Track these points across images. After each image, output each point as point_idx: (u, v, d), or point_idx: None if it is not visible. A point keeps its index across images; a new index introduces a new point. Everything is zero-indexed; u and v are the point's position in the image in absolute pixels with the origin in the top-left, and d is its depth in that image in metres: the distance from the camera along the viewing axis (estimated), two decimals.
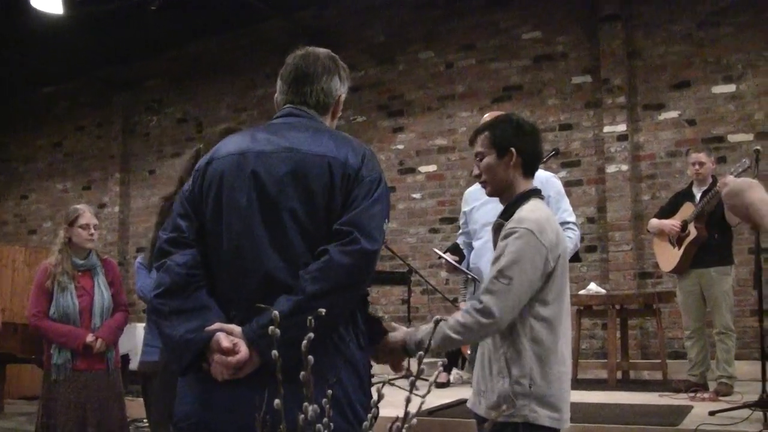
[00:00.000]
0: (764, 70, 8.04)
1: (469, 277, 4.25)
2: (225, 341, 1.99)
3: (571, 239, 4.25)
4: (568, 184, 8.61)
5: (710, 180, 6.42)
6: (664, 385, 6.64)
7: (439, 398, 5.68)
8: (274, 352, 1.12)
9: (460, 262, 4.37)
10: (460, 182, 9.26)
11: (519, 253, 2.42)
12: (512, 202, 2.61)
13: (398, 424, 1.05)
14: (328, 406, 1.09)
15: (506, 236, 2.49)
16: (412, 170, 9.76)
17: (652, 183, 8.45)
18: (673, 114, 8.41)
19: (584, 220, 8.62)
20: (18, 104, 13.39)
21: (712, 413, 4.96)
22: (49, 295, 4.59)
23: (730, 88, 8.16)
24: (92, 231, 4.69)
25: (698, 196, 6.43)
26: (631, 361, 7.54)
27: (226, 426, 2.02)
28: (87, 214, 4.71)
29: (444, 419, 5.20)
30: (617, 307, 7.31)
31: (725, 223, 6.24)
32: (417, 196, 9.69)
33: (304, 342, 1.10)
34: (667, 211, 6.64)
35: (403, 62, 9.95)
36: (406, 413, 1.04)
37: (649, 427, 4.79)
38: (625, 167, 8.45)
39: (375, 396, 1.16)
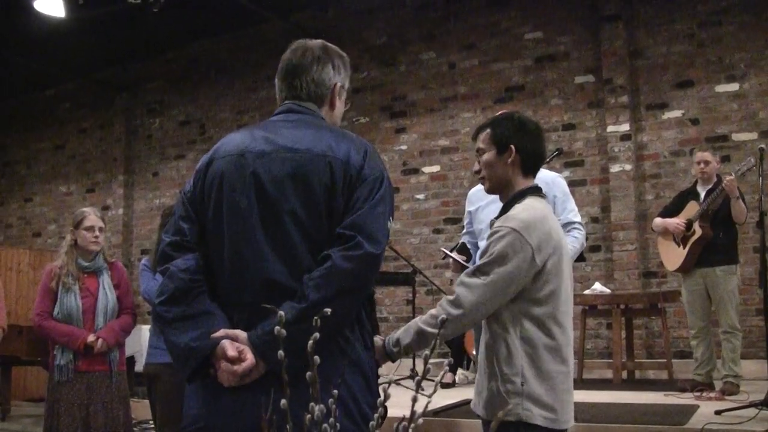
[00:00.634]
0: (767, 69, 8.02)
1: None
2: (230, 350, 1.97)
3: (576, 239, 4.25)
4: (571, 184, 8.59)
5: (715, 179, 6.41)
6: (670, 385, 6.62)
7: (444, 399, 5.68)
8: (280, 352, 1.11)
9: (467, 261, 4.37)
10: (464, 183, 9.25)
11: (501, 253, 2.41)
12: (509, 201, 2.61)
13: (404, 423, 1.04)
14: (334, 406, 1.09)
15: (492, 235, 2.49)
16: (416, 171, 9.76)
17: (656, 182, 8.44)
18: (676, 113, 8.40)
19: (588, 219, 8.61)
20: (20, 107, 13.41)
21: (718, 412, 4.94)
22: (54, 296, 4.61)
23: (734, 87, 8.15)
24: (97, 233, 4.70)
25: (703, 195, 6.42)
26: (636, 360, 7.53)
27: (233, 430, 2.01)
28: (92, 217, 4.72)
29: (449, 420, 5.19)
30: (622, 306, 7.30)
31: (730, 221, 6.23)
32: (420, 196, 9.69)
33: (310, 342, 1.09)
34: (671, 210, 6.63)
35: (405, 63, 9.95)
36: (413, 413, 1.03)
37: (654, 427, 4.78)
38: (628, 167, 8.44)
39: (382, 396, 1.16)
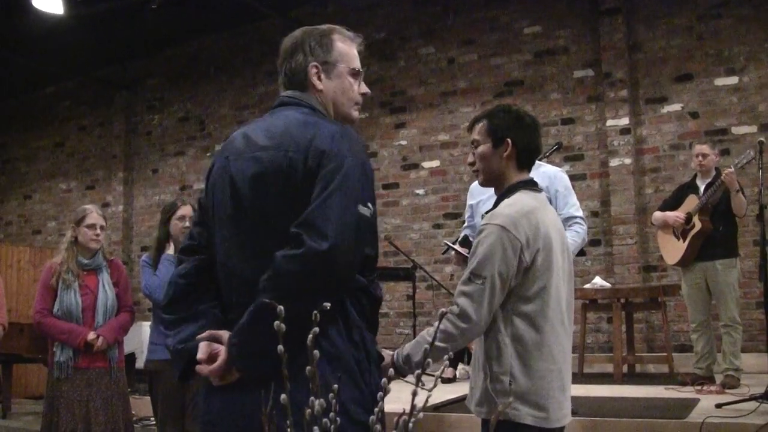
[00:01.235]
0: (766, 62, 8.01)
1: None
2: (200, 353, 2.02)
3: (578, 233, 4.25)
4: (571, 179, 8.49)
5: (714, 172, 6.41)
6: (671, 379, 6.63)
7: (445, 394, 5.68)
8: (280, 347, 1.11)
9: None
10: (464, 177, 9.25)
11: (490, 251, 2.39)
12: (501, 195, 2.59)
13: (405, 418, 1.05)
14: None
15: (478, 234, 2.47)
16: (415, 166, 9.76)
17: (656, 176, 8.44)
18: (675, 107, 8.40)
19: (588, 214, 8.60)
20: (19, 104, 13.41)
21: (718, 406, 4.95)
22: (54, 293, 4.62)
23: (733, 80, 8.14)
24: (98, 231, 4.71)
25: (702, 188, 6.42)
26: (636, 354, 7.54)
27: (223, 428, 2.06)
28: (94, 215, 4.73)
29: (449, 415, 5.20)
30: (622, 300, 7.30)
31: (730, 215, 6.23)
32: (420, 191, 9.69)
33: (310, 336, 1.09)
34: (671, 204, 6.63)
35: (404, 58, 9.95)
36: (413, 407, 1.03)
37: (655, 421, 4.79)
38: (628, 161, 8.44)
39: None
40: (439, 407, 5.33)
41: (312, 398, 1.05)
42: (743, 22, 8.14)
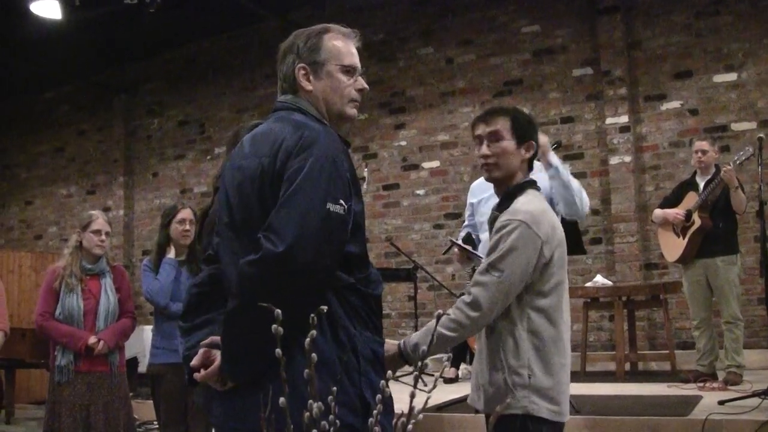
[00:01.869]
0: (765, 58, 8.02)
1: None
2: (195, 359, 2.06)
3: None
4: None
5: (713, 169, 6.40)
6: (673, 376, 6.63)
7: (448, 394, 5.68)
8: (278, 350, 1.12)
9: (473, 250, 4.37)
10: (464, 177, 9.25)
11: (513, 246, 2.42)
12: (508, 194, 2.60)
13: (404, 419, 1.05)
14: (330, 405, 1.09)
15: (500, 229, 2.48)
16: (416, 166, 9.76)
17: (656, 174, 8.43)
18: (675, 104, 8.39)
19: (589, 212, 8.59)
20: (19, 109, 13.40)
21: (721, 403, 4.95)
22: (56, 297, 4.63)
23: (732, 76, 8.14)
24: (103, 237, 4.72)
25: (702, 185, 6.41)
26: (639, 352, 7.53)
27: (224, 430, 2.11)
28: (100, 221, 4.75)
29: (453, 415, 5.20)
30: (624, 298, 7.30)
31: (730, 211, 6.23)
32: (420, 192, 9.69)
33: (307, 340, 1.09)
34: (670, 201, 6.63)
35: (403, 59, 9.95)
36: (411, 408, 1.03)
37: (658, 418, 4.79)
38: (628, 158, 8.44)
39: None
40: (441, 407, 5.33)
41: (310, 401, 1.05)
42: (741, 18, 8.14)
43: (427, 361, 1.16)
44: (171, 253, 4.62)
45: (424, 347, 2.36)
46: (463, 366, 7.52)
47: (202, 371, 2.04)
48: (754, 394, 4.94)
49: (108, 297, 4.69)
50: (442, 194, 9.55)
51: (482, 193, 4.35)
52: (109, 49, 11.13)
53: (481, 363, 2.56)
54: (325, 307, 1.26)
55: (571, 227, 4.86)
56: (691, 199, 6.41)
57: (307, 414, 1.04)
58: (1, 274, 9.45)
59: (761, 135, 5.78)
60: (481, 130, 2.64)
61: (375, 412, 1.07)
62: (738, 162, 6.12)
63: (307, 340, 1.09)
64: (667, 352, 7.16)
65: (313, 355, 1.08)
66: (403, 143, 9.86)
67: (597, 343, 8.40)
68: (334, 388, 1.14)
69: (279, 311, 1.15)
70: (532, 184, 2.64)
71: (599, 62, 8.70)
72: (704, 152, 6.42)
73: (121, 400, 4.67)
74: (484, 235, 4.07)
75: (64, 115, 12.98)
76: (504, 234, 2.45)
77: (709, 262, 6.30)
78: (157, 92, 11.99)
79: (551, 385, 2.43)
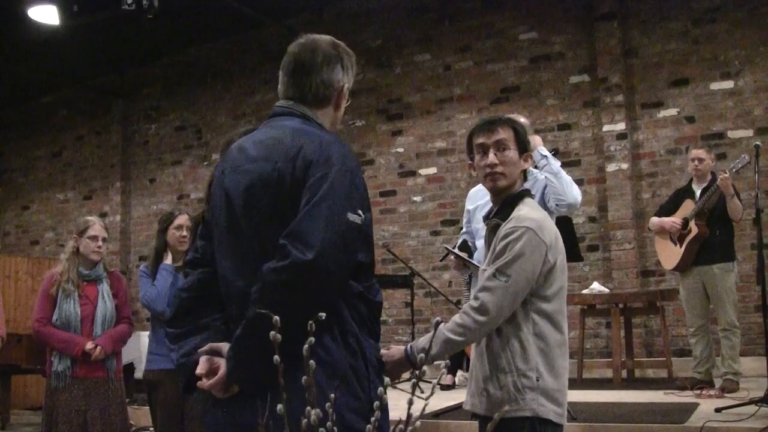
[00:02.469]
0: (762, 66, 8.04)
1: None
2: (199, 367, 2.02)
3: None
4: None
5: (710, 176, 6.42)
6: (670, 383, 6.64)
7: (445, 401, 5.68)
8: (276, 357, 1.12)
9: (469, 257, 4.38)
10: (461, 184, 9.26)
11: (520, 252, 2.45)
12: (507, 202, 2.62)
13: (401, 426, 1.05)
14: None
15: (507, 235, 2.51)
16: (413, 173, 9.76)
17: (653, 181, 8.45)
18: (672, 111, 8.41)
19: (585, 219, 8.62)
20: (16, 114, 13.40)
21: (718, 410, 4.95)
22: (53, 302, 4.63)
23: (728, 84, 8.16)
24: (100, 243, 4.72)
25: (698, 192, 6.43)
26: (635, 359, 7.53)
27: None
28: (97, 226, 4.75)
29: (450, 421, 5.20)
30: (621, 305, 7.31)
31: (726, 219, 6.25)
32: (417, 199, 9.69)
33: (306, 346, 1.10)
34: (667, 209, 6.64)
35: (400, 65, 9.96)
36: (409, 415, 1.04)
37: (655, 425, 4.79)
38: (625, 166, 8.45)
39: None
40: (438, 414, 5.32)
41: (308, 408, 1.05)
42: (738, 26, 8.16)
43: (425, 368, 1.16)
44: (168, 259, 4.62)
45: (434, 351, 2.41)
46: (459, 373, 7.52)
47: (205, 379, 2.01)
48: (750, 402, 4.95)
49: (105, 303, 4.69)
50: (438, 201, 9.56)
51: (479, 200, 4.37)
52: (107, 54, 11.14)
53: (483, 367, 2.56)
54: (323, 314, 1.25)
55: (568, 234, 4.87)
56: (687, 207, 6.42)
57: (305, 421, 1.04)
58: None
59: (758, 143, 5.79)
60: (485, 139, 2.63)
61: (373, 419, 1.07)
62: (734, 170, 6.14)
63: (305, 346, 1.09)
64: (664, 359, 7.17)
65: (311, 362, 1.08)
66: (400, 150, 9.86)
67: (594, 350, 8.40)
68: (332, 396, 1.14)
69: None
70: (528, 193, 2.68)
71: (596, 69, 8.72)
72: (701, 160, 6.44)
73: (117, 405, 4.67)
74: (480, 242, 4.07)
75: (61, 119, 12.97)
76: (512, 240, 2.48)
77: (705, 269, 6.31)
78: (155, 97, 12.00)
79: (557, 387, 2.48)
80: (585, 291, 7.53)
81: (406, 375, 2.40)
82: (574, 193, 4.41)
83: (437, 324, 1.28)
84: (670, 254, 6.52)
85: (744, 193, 6.76)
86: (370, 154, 9.95)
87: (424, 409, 1.12)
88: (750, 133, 7.94)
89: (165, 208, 10.68)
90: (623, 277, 8.33)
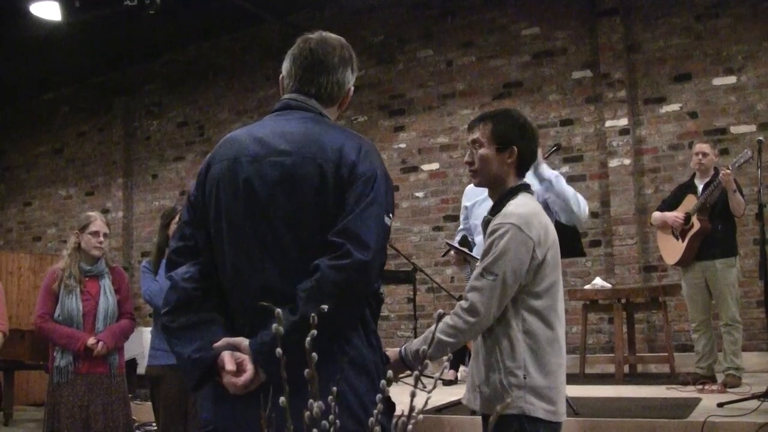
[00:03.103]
0: (764, 61, 8.02)
1: None
2: (229, 364, 1.96)
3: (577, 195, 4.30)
4: (570, 180, 8.56)
5: (712, 171, 6.41)
6: (672, 378, 6.63)
7: (447, 396, 5.68)
8: (278, 350, 1.12)
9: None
10: (463, 179, 9.25)
11: (505, 249, 2.44)
12: (501, 198, 2.61)
13: (403, 419, 1.05)
14: (333, 404, 1.09)
15: (492, 233, 2.51)
16: (415, 169, 9.76)
17: (655, 176, 8.44)
18: (674, 107, 8.40)
19: (588, 214, 8.59)
20: (18, 111, 13.41)
21: (720, 405, 4.95)
22: (55, 298, 4.63)
23: (731, 79, 8.14)
24: (101, 239, 4.72)
25: (701, 187, 6.42)
26: (638, 354, 7.53)
27: None
28: (98, 222, 4.74)
29: (452, 417, 5.20)
30: (623, 301, 7.30)
31: (729, 214, 6.24)
32: (420, 194, 9.69)
33: (308, 339, 1.10)
34: (669, 204, 6.63)
35: (403, 61, 9.95)
36: (411, 408, 1.04)
37: (657, 420, 4.79)
38: (627, 161, 8.44)
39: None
40: (440, 409, 5.33)
41: (310, 401, 1.05)
42: (741, 21, 8.14)
43: (427, 362, 1.16)
44: None
45: (427, 353, 2.38)
46: (462, 368, 7.52)
47: (232, 378, 1.95)
48: (752, 397, 4.94)
49: (107, 298, 4.69)
50: (441, 197, 9.56)
51: (476, 196, 4.37)
52: (109, 50, 11.14)
53: (478, 364, 2.58)
54: (325, 307, 1.25)
55: (570, 230, 4.85)
56: (690, 202, 6.42)
57: (307, 414, 1.04)
58: (0, 276, 9.45)
59: (760, 138, 5.79)
60: (468, 137, 2.69)
61: (375, 411, 1.07)
62: (737, 165, 6.13)
63: (308, 339, 1.09)
64: (666, 354, 7.17)
65: (314, 354, 1.08)
66: (403, 145, 9.86)
67: (596, 345, 8.40)
68: (333, 389, 1.14)
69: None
70: (525, 188, 2.64)
71: (599, 65, 8.71)
72: (705, 155, 6.43)
73: (120, 401, 4.67)
74: (479, 238, 4.07)
75: (63, 116, 12.98)
76: (496, 238, 2.47)
77: (708, 264, 6.31)
78: (157, 94, 12.00)
79: (547, 384, 2.45)
80: (587, 286, 7.53)
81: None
82: (583, 211, 4.36)
83: (440, 316, 1.28)
84: (672, 249, 6.51)
85: (746, 188, 6.75)
86: None
87: (426, 402, 1.12)
88: (753, 128, 7.93)
89: (167, 204, 10.69)
90: (625, 273, 8.32)
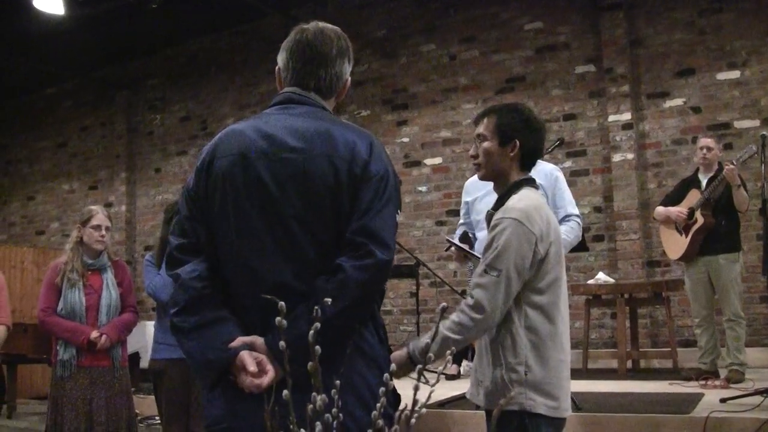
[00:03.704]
0: None
1: None
2: (251, 365, 1.92)
3: (573, 229, 4.24)
4: (573, 174, 8.60)
5: (716, 166, 6.40)
6: (675, 374, 6.63)
7: (450, 390, 5.68)
8: (281, 343, 1.11)
9: (470, 249, 4.38)
10: (466, 174, 9.23)
11: (506, 244, 2.43)
12: (505, 193, 2.61)
13: (407, 413, 1.05)
14: (337, 397, 1.09)
15: (493, 227, 2.50)
16: (418, 163, 9.76)
17: (658, 171, 8.42)
18: (677, 102, 8.38)
19: (591, 209, 8.61)
20: (21, 105, 13.43)
21: (723, 400, 4.95)
22: (58, 292, 4.63)
23: (735, 74, 8.12)
24: (103, 232, 4.72)
25: (704, 182, 6.41)
26: (641, 350, 7.53)
27: None
28: (100, 216, 4.74)
29: (455, 411, 5.21)
30: (626, 296, 7.30)
31: (732, 209, 6.22)
32: (423, 188, 9.69)
33: (311, 332, 1.09)
34: (673, 199, 6.62)
35: (406, 56, 9.94)
36: (415, 401, 1.03)
37: (660, 416, 4.78)
38: (630, 156, 8.43)
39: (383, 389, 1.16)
40: (443, 404, 5.33)
41: (314, 393, 1.05)
42: (745, 16, 8.12)
43: (431, 355, 1.16)
44: None
45: (433, 351, 2.40)
46: (464, 363, 7.53)
47: (254, 380, 1.93)
48: (756, 392, 4.93)
49: (110, 292, 4.69)
50: (444, 191, 9.55)
51: (477, 191, 4.37)
52: (111, 45, 11.14)
53: (482, 360, 2.58)
54: (329, 300, 1.25)
55: None
56: (693, 197, 6.41)
57: (310, 407, 1.04)
58: (3, 270, 9.45)
59: (764, 133, 5.76)
60: (475, 131, 2.70)
61: (379, 405, 1.07)
62: (741, 160, 6.11)
63: (311, 332, 1.09)
64: (669, 349, 7.17)
65: (317, 347, 1.08)
66: (405, 140, 9.85)
67: (599, 340, 8.40)
68: (348, 388, 1.13)
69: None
70: (530, 182, 2.63)
71: (602, 59, 8.69)
72: (709, 149, 6.42)
73: (123, 394, 4.68)
74: (482, 234, 4.07)
75: (66, 110, 12.99)
76: (497, 233, 2.47)
77: (711, 259, 6.30)
78: (160, 88, 12.00)
79: (548, 380, 2.45)
80: (590, 281, 7.53)
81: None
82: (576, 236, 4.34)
83: (443, 310, 1.27)
84: (675, 244, 6.50)
85: (750, 183, 6.74)
86: None
87: (429, 396, 1.12)
88: (756, 123, 7.91)
89: (170, 198, 10.70)
90: (628, 268, 8.31)
